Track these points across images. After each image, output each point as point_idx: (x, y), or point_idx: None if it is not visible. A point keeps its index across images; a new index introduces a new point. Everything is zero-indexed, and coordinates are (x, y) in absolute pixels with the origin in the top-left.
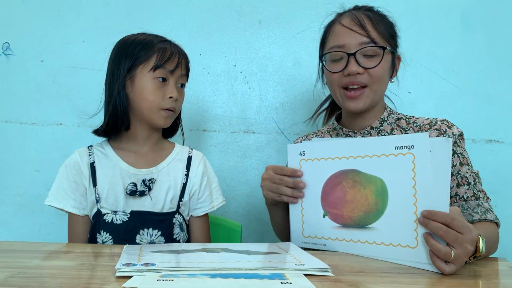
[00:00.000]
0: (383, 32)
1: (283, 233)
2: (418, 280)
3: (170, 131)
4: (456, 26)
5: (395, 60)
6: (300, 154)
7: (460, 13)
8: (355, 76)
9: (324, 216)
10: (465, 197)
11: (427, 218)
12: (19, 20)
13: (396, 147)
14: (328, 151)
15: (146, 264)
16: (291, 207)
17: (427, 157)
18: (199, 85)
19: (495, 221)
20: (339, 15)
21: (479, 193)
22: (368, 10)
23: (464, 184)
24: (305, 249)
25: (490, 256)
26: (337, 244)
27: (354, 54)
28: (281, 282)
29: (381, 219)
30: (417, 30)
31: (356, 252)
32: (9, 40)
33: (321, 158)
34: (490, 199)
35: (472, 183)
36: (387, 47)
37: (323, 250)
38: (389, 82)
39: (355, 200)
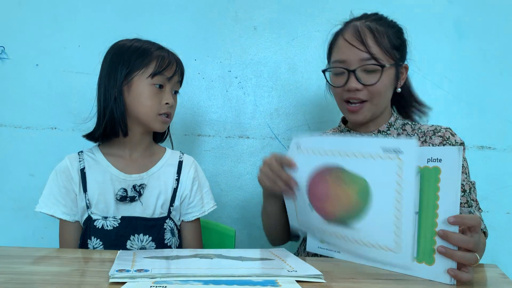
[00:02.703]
0: (386, 45)
1: (273, 230)
2: (410, 287)
3: (161, 135)
4: (449, 34)
5: (400, 71)
6: (297, 147)
7: (453, 21)
8: (354, 92)
9: (311, 211)
10: None
11: (455, 225)
12: (14, 24)
13: (384, 150)
14: (318, 145)
15: (139, 270)
16: (287, 204)
17: (413, 165)
18: (194, 90)
19: (484, 230)
20: (345, 26)
21: (472, 201)
22: (375, 20)
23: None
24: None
25: (479, 263)
26: (350, 254)
27: (354, 70)
28: None
29: (364, 221)
30: (411, 36)
31: (371, 263)
32: (4, 44)
33: (311, 152)
34: (482, 210)
35: (468, 191)
36: (387, 63)
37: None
38: (396, 91)
39: (336, 197)
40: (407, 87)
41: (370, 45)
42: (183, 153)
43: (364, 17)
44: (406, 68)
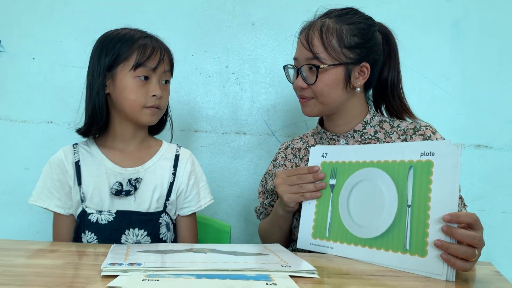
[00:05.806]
0: (333, 45)
1: (280, 240)
2: (403, 283)
3: (156, 127)
4: (447, 33)
5: (355, 70)
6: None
7: (451, 20)
8: (300, 90)
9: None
10: None
11: (451, 223)
12: (11, 17)
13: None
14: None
15: (132, 264)
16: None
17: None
18: (191, 86)
19: None
20: (303, 26)
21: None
22: (336, 17)
23: None
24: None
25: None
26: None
27: (299, 69)
28: (266, 283)
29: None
30: (409, 35)
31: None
32: (1, 37)
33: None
34: (467, 206)
35: None
36: (330, 63)
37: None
38: (353, 91)
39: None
40: (395, 89)
41: (315, 44)
42: (180, 147)
43: (327, 13)
44: (367, 67)
